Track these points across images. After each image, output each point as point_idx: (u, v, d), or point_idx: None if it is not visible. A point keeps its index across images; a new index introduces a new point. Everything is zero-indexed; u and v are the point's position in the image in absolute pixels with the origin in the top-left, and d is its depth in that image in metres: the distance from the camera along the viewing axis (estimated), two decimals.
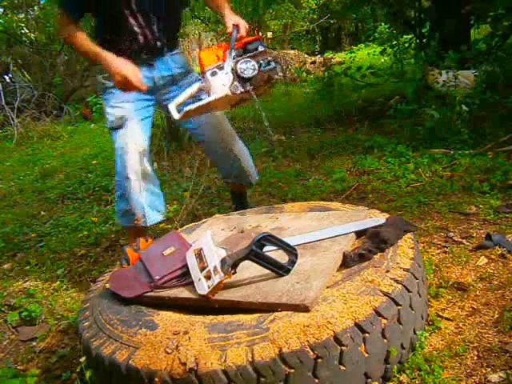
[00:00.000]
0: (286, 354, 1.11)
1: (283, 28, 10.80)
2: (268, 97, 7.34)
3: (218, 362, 1.13)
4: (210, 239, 1.46)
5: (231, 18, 1.91)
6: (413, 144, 3.50)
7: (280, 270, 1.36)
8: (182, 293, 1.43)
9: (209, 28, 9.62)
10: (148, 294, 1.47)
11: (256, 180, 2.52)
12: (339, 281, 1.35)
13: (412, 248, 1.50)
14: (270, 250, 1.42)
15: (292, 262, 1.38)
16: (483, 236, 2.06)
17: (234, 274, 1.35)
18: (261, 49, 1.76)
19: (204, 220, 2.16)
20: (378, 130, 4.18)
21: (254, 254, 1.33)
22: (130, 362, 1.22)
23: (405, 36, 5.73)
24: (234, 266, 1.34)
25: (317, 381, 1.13)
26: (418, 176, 2.97)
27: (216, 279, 1.33)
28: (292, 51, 10.68)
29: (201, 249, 1.46)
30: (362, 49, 10.75)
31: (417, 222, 2.30)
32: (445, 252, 2.03)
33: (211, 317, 1.30)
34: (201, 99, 1.77)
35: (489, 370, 1.32)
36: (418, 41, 5.24)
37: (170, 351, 1.19)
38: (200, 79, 1.82)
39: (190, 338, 1.22)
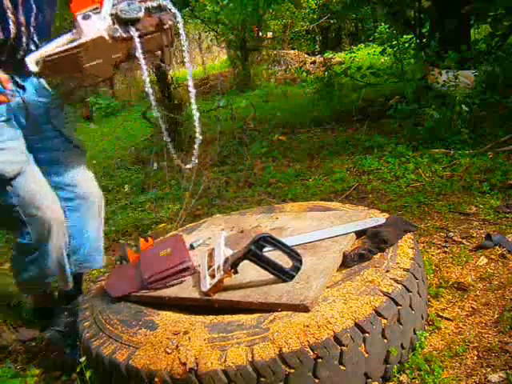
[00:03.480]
0: (286, 354, 1.11)
1: (283, 28, 10.79)
2: (267, 97, 7.35)
3: (218, 361, 1.13)
4: (223, 240, 1.48)
5: None
6: (413, 144, 3.50)
7: (282, 274, 1.34)
8: (183, 293, 1.43)
9: (209, 28, 9.61)
10: (148, 293, 1.48)
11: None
12: (339, 281, 1.35)
13: (412, 248, 1.50)
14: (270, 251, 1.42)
15: (296, 268, 1.35)
16: (483, 236, 2.06)
17: (235, 273, 1.35)
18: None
19: (204, 220, 2.16)
20: (378, 130, 4.18)
21: (252, 254, 1.33)
22: (130, 362, 1.22)
23: (405, 36, 5.73)
24: (234, 265, 1.34)
25: (317, 381, 1.13)
26: (417, 176, 2.97)
27: (217, 277, 1.34)
28: (292, 51, 10.67)
29: (213, 249, 1.50)
30: (361, 49, 10.74)
31: (417, 222, 2.30)
32: (445, 252, 2.03)
33: (211, 317, 1.30)
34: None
35: (489, 369, 1.32)
36: (417, 41, 5.24)
37: (169, 351, 1.19)
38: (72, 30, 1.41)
39: (189, 338, 1.22)
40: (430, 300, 1.66)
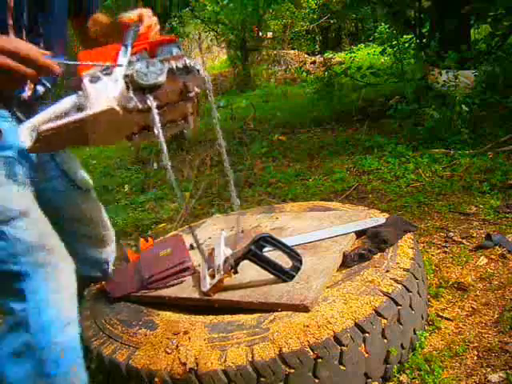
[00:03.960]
0: (286, 354, 1.11)
1: (283, 28, 10.79)
2: (267, 97, 7.35)
3: (218, 361, 1.13)
4: (223, 240, 1.47)
5: (135, 10, 1.29)
6: (413, 144, 3.50)
7: (282, 274, 1.34)
8: (183, 293, 1.43)
9: (209, 28, 9.62)
10: (148, 293, 1.48)
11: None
12: (339, 281, 1.35)
13: (412, 248, 1.50)
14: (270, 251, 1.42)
15: (296, 268, 1.35)
16: (483, 236, 2.06)
17: (235, 273, 1.35)
18: (176, 50, 1.16)
19: (204, 220, 2.16)
20: (378, 130, 4.18)
21: (253, 254, 1.33)
22: (130, 362, 1.22)
23: (405, 36, 5.73)
24: (234, 265, 1.35)
25: (317, 381, 1.13)
26: (417, 176, 2.97)
27: (217, 277, 1.34)
28: (292, 51, 10.67)
29: (213, 249, 1.49)
30: (361, 49, 10.75)
31: (417, 222, 2.30)
32: (445, 252, 2.03)
33: (211, 317, 1.30)
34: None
35: (489, 370, 1.32)
36: (417, 41, 5.24)
37: (169, 351, 1.19)
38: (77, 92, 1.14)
39: (189, 338, 1.22)
40: (430, 300, 1.66)
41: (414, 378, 1.30)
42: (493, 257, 1.90)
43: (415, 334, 1.38)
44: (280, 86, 8.48)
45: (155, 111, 1.09)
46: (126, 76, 1.09)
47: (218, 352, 1.15)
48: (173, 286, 1.47)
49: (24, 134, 1.08)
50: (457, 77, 3.62)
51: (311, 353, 1.12)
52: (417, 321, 1.39)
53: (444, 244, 2.09)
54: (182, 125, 1.20)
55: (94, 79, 1.10)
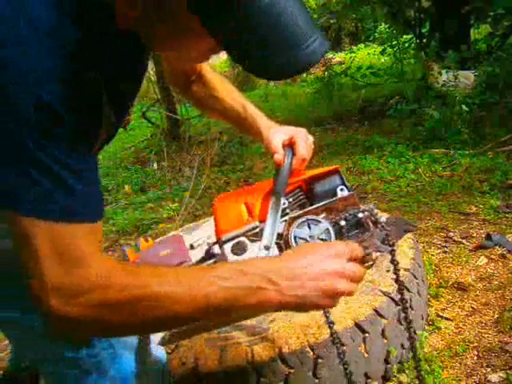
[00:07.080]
0: (286, 354, 1.11)
1: None
2: (267, 97, 7.34)
3: (217, 361, 1.13)
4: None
5: (276, 131, 1.02)
6: (413, 144, 3.50)
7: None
8: None
9: None
10: None
11: None
12: None
13: (412, 248, 1.50)
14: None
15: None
16: (483, 236, 2.06)
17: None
18: (342, 193, 0.90)
19: (204, 220, 2.16)
20: (378, 130, 4.18)
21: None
22: None
23: (405, 36, 5.73)
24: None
25: (317, 381, 1.13)
26: (417, 176, 2.97)
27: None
28: None
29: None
30: (361, 49, 10.74)
31: (417, 222, 2.30)
32: (445, 252, 2.03)
33: None
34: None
35: (489, 370, 1.32)
36: (417, 41, 5.25)
37: (170, 351, 1.19)
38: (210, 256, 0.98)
39: (190, 338, 1.22)
40: (430, 300, 1.66)
41: (414, 378, 1.30)
42: (493, 257, 1.90)
43: (415, 333, 1.38)
44: (280, 85, 8.48)
45: None
46: (279, 235, 0.83)
47: (217, 352, 1.15)
48: None
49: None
50: (457, 77, 3.62)
51: (311, 353, 1.12)
52: (417, 321, 1.39)
53: (444, 244, 2.09)
54: None
55: (239, 251, 0.85)
